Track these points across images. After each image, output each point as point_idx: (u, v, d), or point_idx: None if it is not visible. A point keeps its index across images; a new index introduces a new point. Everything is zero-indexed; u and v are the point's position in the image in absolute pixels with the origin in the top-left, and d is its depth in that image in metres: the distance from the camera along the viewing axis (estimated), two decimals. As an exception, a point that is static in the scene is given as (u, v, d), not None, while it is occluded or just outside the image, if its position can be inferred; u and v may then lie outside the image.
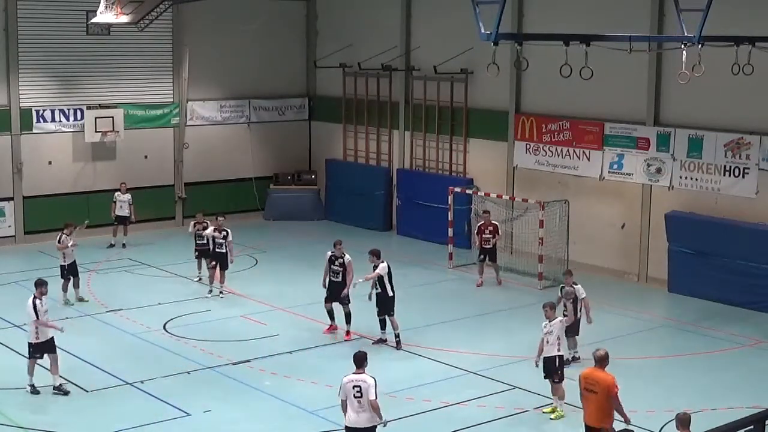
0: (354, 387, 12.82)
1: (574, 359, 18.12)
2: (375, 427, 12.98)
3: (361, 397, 12.77)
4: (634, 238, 24.87)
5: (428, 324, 20.97)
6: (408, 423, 15.71)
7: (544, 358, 15.98)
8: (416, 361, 18.82)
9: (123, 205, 27.92)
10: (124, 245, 27.81)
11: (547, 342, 15.94)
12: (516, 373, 17.99)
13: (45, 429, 15.33)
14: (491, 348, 19.40)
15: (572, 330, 18.10)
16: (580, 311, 18.19)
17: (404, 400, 16.62)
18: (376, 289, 19.37)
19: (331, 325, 20.19)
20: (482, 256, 24.30)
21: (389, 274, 19.36)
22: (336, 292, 19.83)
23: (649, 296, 23.82)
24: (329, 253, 19.94)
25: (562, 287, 18.42)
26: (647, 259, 24.63)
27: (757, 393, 16.96)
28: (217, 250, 22.84)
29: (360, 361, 13.14)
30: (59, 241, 22.43)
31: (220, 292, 22.91)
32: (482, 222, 24.45)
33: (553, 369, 15.92)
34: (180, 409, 16.13)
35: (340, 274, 19.74)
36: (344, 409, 12.97)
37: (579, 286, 18.24)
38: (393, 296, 19.44)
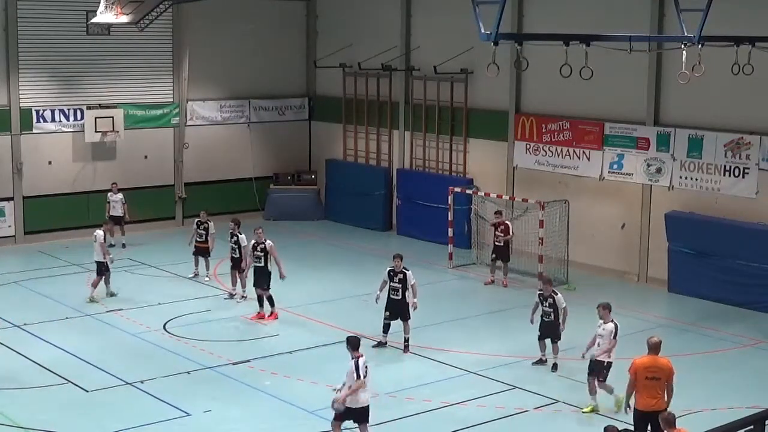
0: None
1: (555, 366, 18.25)
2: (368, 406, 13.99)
3: (365, 376, 13.79)
4: (634, 238, 24.88)
5: (428, 324, 20.94)
6: (408, 423, 15.74)
7: (595, 360, 16.00)
8: (416, 361, 18.83)
9: (116, 205, 27.86)
10: (123, 245, 27.77)
11: (598, 345, 16.02)
12: (516, 373, 18.02)
13: (45, 429, 15.33)
14: (491, 348, 19.40)
15: (556, 336, 18.20)
16: (562, 320, 18.18)
17: (404, 400, 16.63)
18: (395, 295, 19.14)
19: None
20: (493, 255, 24.42)
21: (403, 280, 19.10)
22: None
23: (649, 296, 23.82)
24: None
25: (540, 293, 18.38)
26: (647, 259, 24.63)
27: (757, 393, 16.97)
28: (233, 255, 22.75)
29: (356, 344, 14.14)
30: (105, 240, 22.86)
31: (242, 297, 22.72)
32: (495, 222, 24.54)
33: (599, 370, 16.02)
34: (180, 409, 16.13)
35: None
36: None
37: (560, 296, 18.24)
38: (408, 302, 19.18)
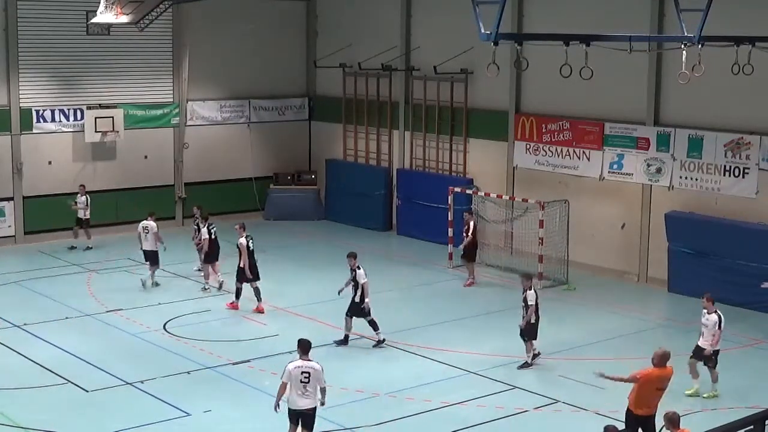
0: (302, 373, 13.56)
1: (526, 364, 18.31)
2: (315, 408, 13.77)
3: (308, 382, 13.54)
4: (634, 238, 24.87)
5: (428, 324, 20.98)
6: (408, 423, 15.75)
7: (699, 347, 16.75)
8: (416, 361, 18.83)
9: (81, 206, 27.51)
10: (72, 247, 27.52)
11: (702, 335, 16.66)
12: (516, 373, 18.02)
13: (45, 429, 15.33)
14: (491, 348, 19.40)
15: (529, 334, 18.26)
16: (533, 315, 18.23)
17: (404, 400, 16.64)
18: (352, 292, 19.41)
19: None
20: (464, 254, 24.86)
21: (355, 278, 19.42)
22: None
23: (649, 296, 23.82)
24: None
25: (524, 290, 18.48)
26: (647, 259, 24.63)
27: (757, 393, 16.98)
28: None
29: (307, 348, 13.82)
30: (157, 230, 23.91)
31: (215, 287, 23.48)
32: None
33: (707, 359, 16.71)
34: (180, 409, 16.13)
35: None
36: (281, 391, 13.65)
37: (532, 291, 18.32)
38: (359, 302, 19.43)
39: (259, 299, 21.73)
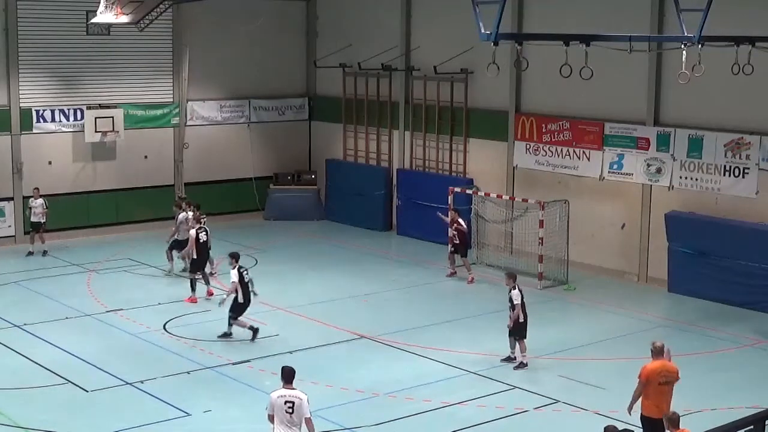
0: (286, 403, 12.41)
1: (522, 365, 18.23)
2: None
3: (293, 413, 12.38)
4: (634, 238, 24.87)
5: (428, 324, 20.97)
6: (408, 423, 15.74)
7: None
8: (416, 361, 18.82)
9: (36, 210, 26.79)
10: (45, 252, 26.81)
11: None
12: (516, 373, 18.01)
13: (45, 429, 15.33)
14: (491, 348, 19.36)
15: (519, 333, 18.22)
16: (520, 314, 18.16)
17: (404, 400, 16.63)
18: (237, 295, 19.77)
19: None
20: (452, 249, 25.06)
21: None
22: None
23: (649, 296, 23.81)
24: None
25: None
26: (647, 259, 24.63)
27: (757, 393, 16.96)
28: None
29: (290, 376, 12.65)
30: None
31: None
32: (450, 219, 25.12)
33: None
34: (180, 409, 16.13)
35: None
36: (272, 422, 12.53)
37: (516, 291, 18.19)
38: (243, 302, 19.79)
39: (207, 283, 22.82)
